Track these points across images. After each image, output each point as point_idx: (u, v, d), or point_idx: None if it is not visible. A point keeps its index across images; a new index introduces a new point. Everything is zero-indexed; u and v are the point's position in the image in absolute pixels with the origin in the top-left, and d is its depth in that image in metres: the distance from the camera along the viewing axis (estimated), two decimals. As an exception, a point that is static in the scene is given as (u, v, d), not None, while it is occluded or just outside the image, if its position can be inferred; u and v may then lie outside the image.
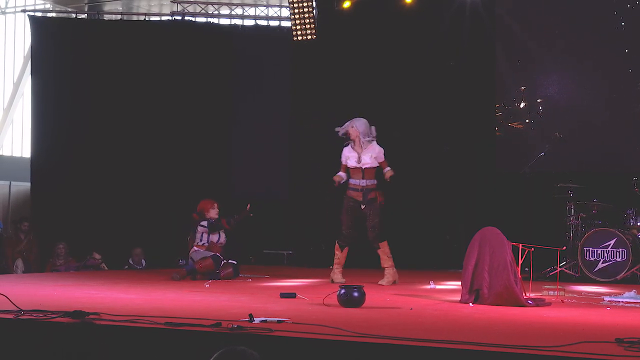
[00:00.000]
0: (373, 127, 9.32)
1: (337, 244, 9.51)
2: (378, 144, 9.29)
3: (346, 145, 9.42)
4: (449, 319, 5.80)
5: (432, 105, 12.55)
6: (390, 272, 9.13)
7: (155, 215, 13.24)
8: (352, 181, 9.33)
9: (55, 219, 13.33)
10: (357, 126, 9.29)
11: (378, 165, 9.26)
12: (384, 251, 9.22)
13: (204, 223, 9.88)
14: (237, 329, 4.72)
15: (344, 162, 9.48)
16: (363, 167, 9.21)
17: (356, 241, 9.49)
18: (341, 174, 9.50)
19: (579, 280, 9.96)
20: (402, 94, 12.63)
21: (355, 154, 9.30)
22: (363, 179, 9.21)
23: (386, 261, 9.19)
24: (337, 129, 9.45)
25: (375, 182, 9.26)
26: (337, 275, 9.30)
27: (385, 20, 12.95)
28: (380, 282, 8.98)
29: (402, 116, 12.49)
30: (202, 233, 9.90)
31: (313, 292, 7.75)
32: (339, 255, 9.43)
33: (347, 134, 9.34)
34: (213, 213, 9.97)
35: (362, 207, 9.17)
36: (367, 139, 9.24)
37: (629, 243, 9.86)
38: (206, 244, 9.83)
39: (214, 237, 9.90)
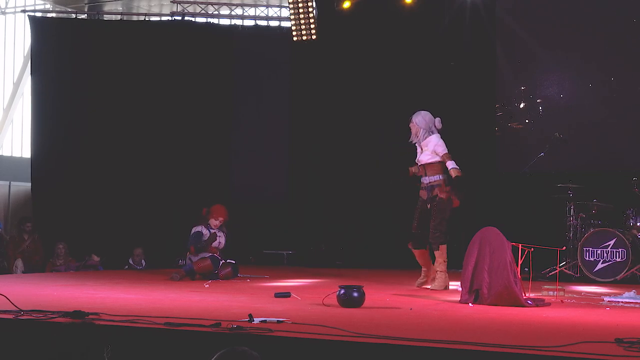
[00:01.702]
0: (437, 119, 8.71)
1: (409, 245, 8.78)
2: (442, 138, 8.62)
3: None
4: (448, 319, 5.80)
5: (433, 105, 12.44)
6: (442, 277, 8.38)
7: (155, 215, 13.25)
8: (422, 179, 8.68)
9: (55, 219, 13.34)
10: (416, 121, 8.71)
11: (441, 159, 8.54)
12: (441, 254, 8.43)
13: (199, 230, 9.82)
14: (236, 329, 4.72)
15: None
16: (423, 164, 8.60)
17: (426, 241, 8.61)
18: (413, 168, 8.85)
19: (579, 281, 9.96)
20: (402, 94, 12.63)
21: (419, 149, 8.72)
22: (425, 175, 8.57)
23: (440, 265, 8.42)
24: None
25: (440, 177, 8.49)
26: (421, 278, 8.70)
27: (386, 21, 12.95)
28: (431, 287, 8.39)
29: (402, 116, 12.47)
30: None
31: (313, 292, 7.76)
32: (417, 257, 8.68)
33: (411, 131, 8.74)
34: (213, 223, 9.87)
35: (428, 206, 8.50)
36: (427, 133, 8.62)
37: (628, 243, 9.86)
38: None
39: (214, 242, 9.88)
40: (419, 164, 8.62)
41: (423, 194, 8.58)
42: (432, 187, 8.46)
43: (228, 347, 3.10)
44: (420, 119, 8.66)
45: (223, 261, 9.74)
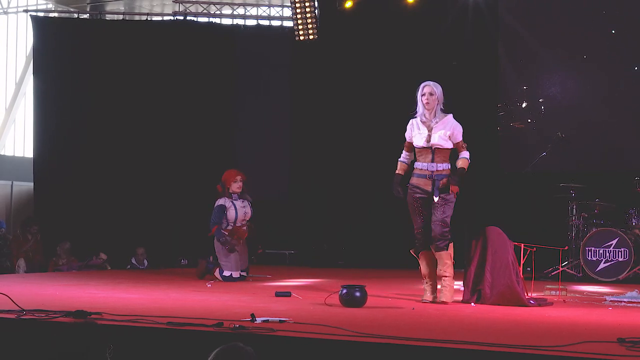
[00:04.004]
0: None
1: (412, 252, 7.26)
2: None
3: (414, 117, 7.20)
4: (451, 319, 5.80)
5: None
6: (450, 284, 6.94)
7: (157, 215, 13.25)
8: (418, 165, 7.10)
9: (57, 219, 13.34)
10: (438, 92, 7.09)
11: (453, 146, 7.07)
12: (449, 255, 6.97)
13: (221, 203, 9.41)
14: (239, 328, 4.72)
15: (409, 140, 7.20)
16: (433, 148, 7.00)
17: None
18: (404, 159, 7.29)
19: (581, 280, 9.96)
20: (404, 94, 12.56)
21: (424, 130, 7.03)
22: (432, 162, 7.01)
23: (449, 268, 6.96)
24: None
25: (449, 166, 7.05)
26: (426, 292, 7.10)
27: (387, 20, 12.95)
28: (441, 299, 6.90)
29: (404, 116, 12.48)
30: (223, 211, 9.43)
31: (315, 291, 7.76)
32: (427, 262, 7.10)
33: (426, 100, 7.07)
34: (235, 187, 9.40)
35: (435, 199, 6.93)
36: (441, 110, 7.09)
37: (630, 243, 9.86)
38: (230, 227, 9.43)
39: (238, 215, 9.41)
40: (424, 146, 7.03)
41: (425, 184, 7.02)
42: (440, 177, 6.97)
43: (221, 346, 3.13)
44: (440, 91, 7.12)
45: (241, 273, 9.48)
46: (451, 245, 6.97)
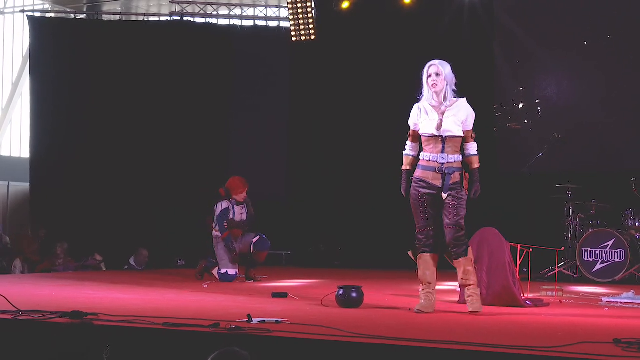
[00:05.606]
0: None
1: (410, 254, 6.44)
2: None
3: (418, 102, 6.36)
4: (447, 320, 5.80)
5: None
6: (476, 292, 6.18)
7: (153, 215, 13.23)
8: (425, 155, 6.21)
9: (54, 219, 13.33)
10: (446, 73, 6.25)
11: (464, 135, 6.23)
12: (470, 260, 6.21)
13: (225, 207, 9.45)
14: (235, 329, 4.72)
15: (413, 128, 6.36)
16: (444, 136, 6.14)
17: (440, 245, 6.25)
18: (410, 151, 6.39)
19: (577, 281, 9.97)
20: (400, 95, 12.57)
21: (434, 115, 6.17)
22: (443, 152, 6.14)
23: (472, 276, 6.19)
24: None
25: (460, 158, 6.22)
26: (421, 301, 6.20)
27: (384, 21, 12.95)
28: (470, 310, 6.10)
29: (401, 116, 12.47)
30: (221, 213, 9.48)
31: (311, 292, 7.76)
32: (430, 265, 6.23)
33: (432, 82, 6.23)
34: (240, 197, 9.48)
35: (444, 195, 6.11)
36: (452, 93, 6.28)
37: (627, 244, 9.87)
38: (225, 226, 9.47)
39: (236, 216, 9.51)
40: (434, 134, 6.15)
41: (433, 178, 6.15)
42: (452, 170, 6.14)
43: (219, 350, 3.12)
44: (450, 71, 6.30)
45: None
46: (470, 249, 6.21)
